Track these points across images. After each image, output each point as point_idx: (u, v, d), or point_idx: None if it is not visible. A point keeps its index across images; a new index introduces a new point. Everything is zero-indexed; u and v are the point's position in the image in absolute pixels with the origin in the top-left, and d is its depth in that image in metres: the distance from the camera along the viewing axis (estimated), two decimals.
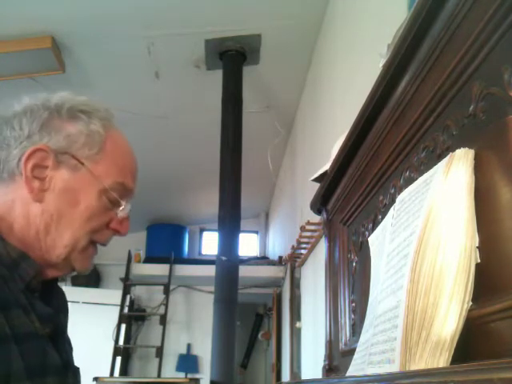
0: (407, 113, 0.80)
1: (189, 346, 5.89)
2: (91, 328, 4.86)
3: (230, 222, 3.13)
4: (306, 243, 2.98)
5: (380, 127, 0.91)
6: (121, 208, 0.77)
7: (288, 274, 4.14)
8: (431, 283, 0.55)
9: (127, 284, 5.27)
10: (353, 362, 0.82)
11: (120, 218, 0.77)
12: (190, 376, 5.47)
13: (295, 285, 3.80)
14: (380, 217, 0.92)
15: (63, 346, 0.75)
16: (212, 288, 3.21)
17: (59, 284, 0.81)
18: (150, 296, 5.85)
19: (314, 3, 2.86)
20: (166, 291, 5.21)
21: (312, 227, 2.66)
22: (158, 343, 5.00)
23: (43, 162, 0.72)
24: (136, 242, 5.85)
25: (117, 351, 4.81)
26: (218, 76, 3.35)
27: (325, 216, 1.35)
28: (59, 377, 0.68)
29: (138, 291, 5.72)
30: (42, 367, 0.64)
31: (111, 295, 5.21)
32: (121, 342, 4.93)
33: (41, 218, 0.71)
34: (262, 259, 5.74)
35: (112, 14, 2.90)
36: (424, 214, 0.61)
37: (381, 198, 0.93)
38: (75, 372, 0.76)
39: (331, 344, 1.21)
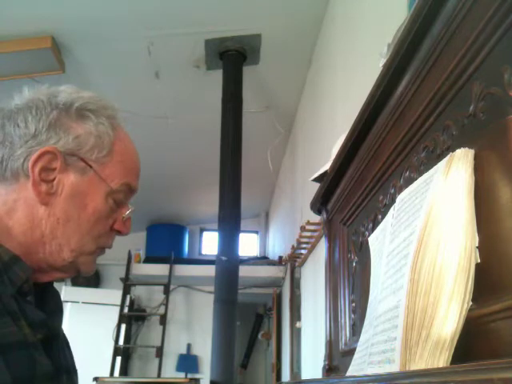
0: (407, 113, 0.80)
1: (189, 346, 5.89)
2: (91, 328, 4.86)
3: (229, 222, 3.13)
4: (306, 243, 2.98)
5: (380, 127, 0.91)
6: (126, 209, 0.76)
7: (288, 273, 4.14)
8: (431, 283, 0.55)
9: (127, 284, 5.26)
10: (353, 362, 0.82)
11: (124, 219, 0.76)
12: (190, 376, 5.47)
13: (295, 285, 3.80)
14: (380, 217, 0.92)
15: (58, 349, 0.72)
16: (212, 288, 3.21)
17: (57, 283, 0.80)
18: (149, 296, 5.85)
19: (314, 3, 2.85)
20: (166, 291, 5.20)
21: (312, 227, 2.66)
22: (158, 343, 5.00)
23: (51, 164, 0.69)
24: (136, 242, 5.85)
25: (117, 351, 4.81)
26: (218, 76, 3.35)
27: (325, 216, 1.35)
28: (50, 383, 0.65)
29: (137, 291, 5.72)
30: (30, 377, 0.61)
31: (111, 295, 5.21)
32: (121, 341, 4.93)
33: (47, 221, 0.69)
34: (262, 259, 5.73)
35: (112, 14, 2.90)
36: (424, 214, 0.61)
37: (381, 197, 0.93)
38: (70, 375, 0.73)
39: (331, 344, 1.21)
